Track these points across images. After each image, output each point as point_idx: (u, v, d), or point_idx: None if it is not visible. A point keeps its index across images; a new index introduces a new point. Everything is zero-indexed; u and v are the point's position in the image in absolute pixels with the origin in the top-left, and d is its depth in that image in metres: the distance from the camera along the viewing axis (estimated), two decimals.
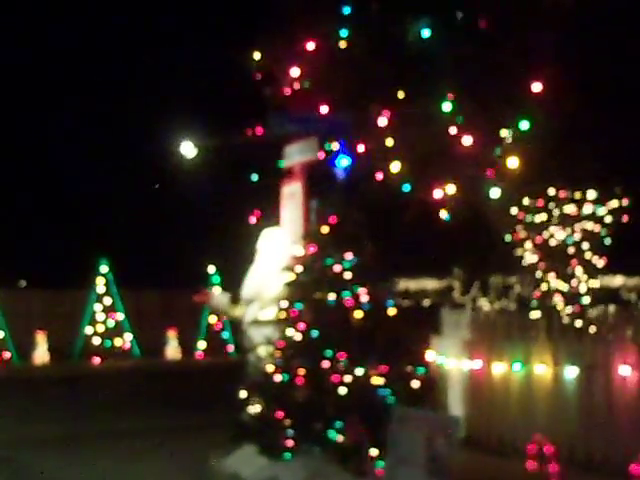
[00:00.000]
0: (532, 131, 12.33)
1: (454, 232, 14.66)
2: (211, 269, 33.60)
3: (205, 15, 31.33)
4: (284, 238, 11.87)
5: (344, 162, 10.87)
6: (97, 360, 30.75)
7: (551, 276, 14.93)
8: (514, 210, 14.65)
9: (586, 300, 14.99)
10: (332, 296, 10.20)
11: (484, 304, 32.59)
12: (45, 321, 31.10)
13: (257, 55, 12.89)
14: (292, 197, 11.71)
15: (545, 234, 14.78)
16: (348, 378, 9.79)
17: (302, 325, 10.22)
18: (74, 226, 36.62)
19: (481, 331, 12.88)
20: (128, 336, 31.96)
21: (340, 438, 9.64)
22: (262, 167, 12.21)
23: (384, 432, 9.11)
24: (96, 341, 31.31)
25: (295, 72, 12.46)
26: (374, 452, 9.55)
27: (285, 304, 10.59)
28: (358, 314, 10.08)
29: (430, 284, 50.51)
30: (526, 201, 14.45)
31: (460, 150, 12.65)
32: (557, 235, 14.79)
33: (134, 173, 35.98)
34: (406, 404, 9.74)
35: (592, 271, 15.12)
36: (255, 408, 10.54)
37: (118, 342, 31.73)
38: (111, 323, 31.58)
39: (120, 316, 31.81)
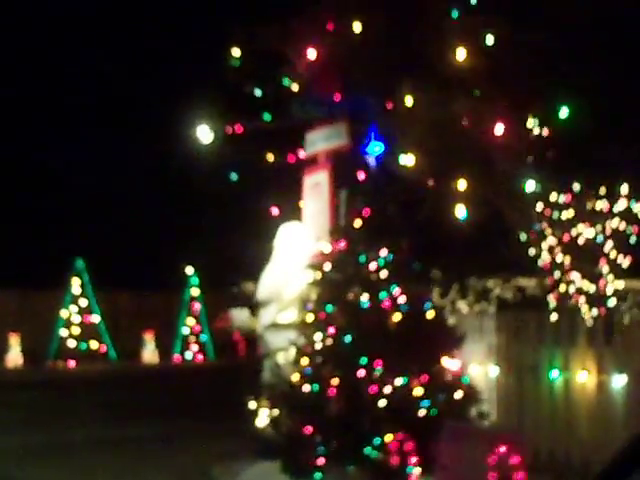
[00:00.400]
0: (570, 120, 11.42)
1: (466, 231, 13.79)
2: (189, 270, 32.69)
3: None
4: (305, 233, 10.80)
5: (376, 149, 9.79)
6: (72, 363, 29.78)
7: (576, 276, 13.97)
8: (539, 206, 13.66)
9: (612, 302, 14.04)
10: (366, 297, 9.16)
11: (462, 307, 31.75)
12: (18, 323, 29.94)
13: (236, 52, 12.00)
14: (316, 188, 10.61)
15: (573, 232, 13.80)
16: (387, 389, 8.75)
17: (332, 329, 9.16)
18: (48, 225, 35.39)
19: (510, 335, 11.93)
20: (104, 339, 30.83)
21: (378, 455, 8.60)
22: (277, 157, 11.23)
23: (431, 449, 8.14)
24: (71, 344, 30.22)
25: (312, 54, 11.51)
26: (417, 472, 8.54)
27: (313, 306, 9.54)
28: (396, 317, 9.05)
29: None
30: (553, 196, 13.45)
31: (490, 140, 11.74)
32: (585, 233, 13.83)
33: (111, 171, 35.02)
34: (448, 417, 8.79)
35: (618, 271, 14.18)
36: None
37: (94, 345, 30.64)
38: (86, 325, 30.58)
39: (96, 318, 30.71)
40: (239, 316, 11.26)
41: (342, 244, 9.49)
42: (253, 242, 12.94)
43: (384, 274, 9.20)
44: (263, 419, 10.40)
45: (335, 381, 8.86)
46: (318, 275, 9.68)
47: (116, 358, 30.94)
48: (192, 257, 32.52)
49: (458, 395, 9.12)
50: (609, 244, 14.18)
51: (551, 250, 14.75)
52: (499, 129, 11.52)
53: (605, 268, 13.97)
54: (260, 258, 11.49)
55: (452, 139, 12.24)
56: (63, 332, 30.22)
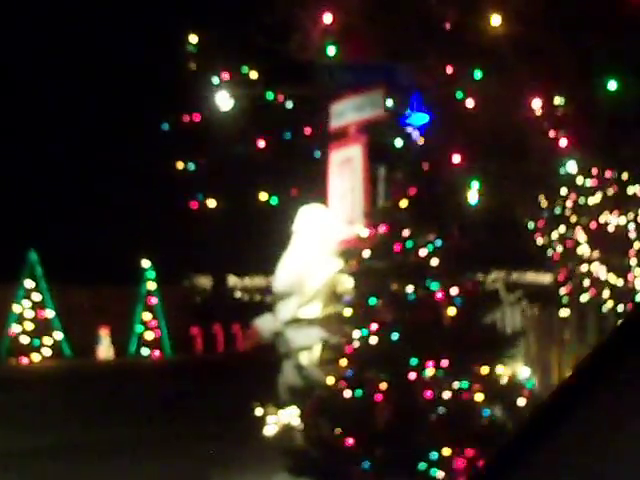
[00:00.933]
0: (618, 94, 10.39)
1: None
2: (145, 264, 31.69)
3: None
4: (330, 216, 9.53)
5: (420, 119, 8.58)
6: (25, 360, 29.01)
7: (601, 268, 12.90)
8: (564, 191, 12.58)
9: None
10: (414, 288, 7.95)
11: None
12: None
13: (193, 39, 10.97)
14: (347, 164, 9.33)
15: (601, 219, 12.73)
16: (446, 394, 7.58)
17: (376, 325, 7.94)
18: None
19: (542, 333, 10.88)
20: (58, 334, 29.89)
21: (439, 473, 7.42)
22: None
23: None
24: (24, 340, 29.15)
25: (328, 18, 10.41)
26: None
27: (351, 298, 8.33)
28: (451, 311, 7.86)
29: None
30: (579, 180, 12.35)
31: (523, 117, 10.68)
32: (612, 220, 12.76)
33: (65, 160, 33.68)
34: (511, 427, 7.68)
35: None
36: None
37: (47, 341, 29.60)
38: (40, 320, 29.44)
39: (50, 313, 29.46)
40: (265, 325, 9.86)
41: (383, 228, 8.25)
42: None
43: (435, 262, 8.00)
44: (273, 426, 9.24)
45: (383, 385, 7.65)
46: (353, 263, 8.46)
47: (71, 354, 30.03)
48: (148, 250, 31.51)
49: (521, 402, 7.96)
50: (634, 234, 13.15)
51: (562, 239, 13.75)
52: (536, 103, 10.44)
53: (633, 260, 12.90)
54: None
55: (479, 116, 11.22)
56: (16, 328, 29.34)
